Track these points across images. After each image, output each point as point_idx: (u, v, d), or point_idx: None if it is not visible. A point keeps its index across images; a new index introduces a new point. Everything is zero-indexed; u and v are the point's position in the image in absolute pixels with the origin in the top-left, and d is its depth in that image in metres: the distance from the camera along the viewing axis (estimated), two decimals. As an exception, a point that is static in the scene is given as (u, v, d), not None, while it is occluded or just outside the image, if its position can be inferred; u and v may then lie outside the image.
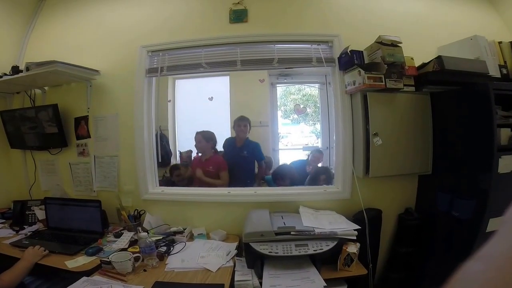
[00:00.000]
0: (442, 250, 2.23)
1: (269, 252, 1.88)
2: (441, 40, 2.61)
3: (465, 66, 2.21)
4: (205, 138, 3.25)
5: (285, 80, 4.47)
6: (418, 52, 2.39)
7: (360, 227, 2.08)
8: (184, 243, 2.30)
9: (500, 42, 2.47)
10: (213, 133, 3.35)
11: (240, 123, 3.34)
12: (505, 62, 2.43)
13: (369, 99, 2.26)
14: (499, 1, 2.82)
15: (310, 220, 2.16)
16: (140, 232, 2.18)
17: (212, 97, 3.80)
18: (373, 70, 2.20)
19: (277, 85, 4.52)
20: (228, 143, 3.40)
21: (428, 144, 2.39)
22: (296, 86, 4.81)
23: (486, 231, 1.89)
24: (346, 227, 2.07)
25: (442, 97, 2.33)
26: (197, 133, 3.33)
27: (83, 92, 2.82)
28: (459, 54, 2.34)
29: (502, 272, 0.30)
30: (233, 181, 3.11)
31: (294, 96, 4.92)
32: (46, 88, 2.94)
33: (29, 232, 2.54)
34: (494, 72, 2.33)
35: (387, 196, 2.54)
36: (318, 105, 4.63)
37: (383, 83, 2.19)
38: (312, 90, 4.81)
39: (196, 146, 3.30)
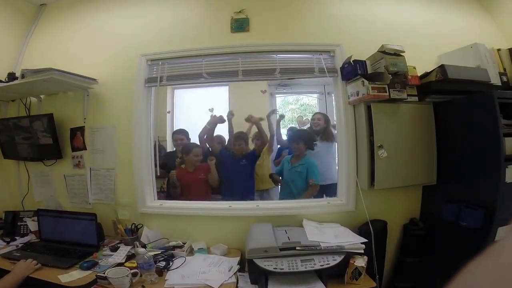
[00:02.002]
0: (449, 259, 2.18)
1: (274, 268, 1.82)
2: (440, 49, 2.61)
3: (467, 74, 2.21)
4: (196, 156, 3.21)
5: (284, 90, 4.48)
6: (418, 61, 2.38)
7: (367, 240, 2.03)
8: (184, 258, 2.21)
9: (499, 50, 2.47)
10: (197, 144, 3.36)
11: (236, 142, 3.31)
12: (504, 69, 2.44)
13: (373, 110, 2.23)
14: (495, 9, 2.83)
15: (315, 234, 2.10)
16: (137, 247, 2.11)
17: (212, 109, 3.73)
18: (376, 80, 2.18)
19: (277, 95, 4.53)
20: (222, 156, 3.33)
21: (432, 154, 2.36)
22: (295, 96, 4.82)
23: (495, 239, 1.86)
24: (352, 240, 2.02)
25: (446, 107, 2.31)
26: (185, 149, 3.27)
27: (80, 102, 2.75)
28: (460, 62, 2.33)
29: (509, 271, 0.30)
30: (233, 192, 3.06)
31: (292, 106, 4.93)
32: (42, 96, 2.87)
33: (20, 243, 2.46)
34: (495, 80, 2.33)
35: (391, 207, 2.49)
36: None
37: (387, 93, 2.17)
38: (310, 100, 4.82)
39: (185, 160, 3.23)
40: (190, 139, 3.55)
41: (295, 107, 4.92)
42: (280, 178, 3.25)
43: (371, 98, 2.17)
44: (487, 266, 0.33)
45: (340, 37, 2.55)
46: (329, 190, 3.12)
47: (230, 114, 3.53)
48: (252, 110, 3.94)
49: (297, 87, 4.59)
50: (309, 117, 4.27)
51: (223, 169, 3.25)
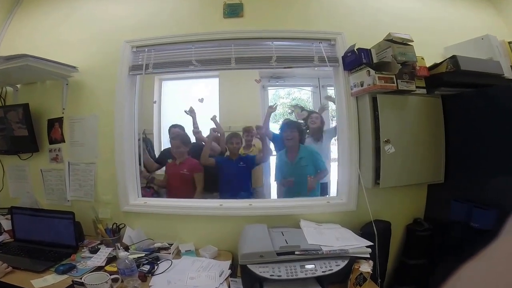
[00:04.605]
0: (457, 261, 2.03)
1: (271, 275, 1.65)
2: (445, 41, 2.52)
3: (481, 66, 2.10)
4: (184, 144, 3.08)
5: (277, 83, 4.31)
6: (424, 52, 2.24)
7: (372, 244, 1.88)
8: (170, 261, 2.05)
9: (510, 42, 2.37)
10: (189, 136, 3.23)
11: (233, 140, 3.15)
12: (516, 62, 2.33)
13: (379, 102, 2.08)
14: (503, 2, 2.74)
15: (315, 237, 1.94)
16: (119, 249, 1.95)
17: (202, 99, 3.59)
18: (383, 70, 2.04)
19: (269, 87, 4.36)
20: (220, 162, 3.17)
21: (440, 151, 2.25)
22: (286, 89, 4.65)
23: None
24: (356, 243, 1.87)
25: (456, 100, 2.19)
26: (173, 138, 3.18)
27: (59, 91, 2.56)
28: (469, 54, 2.21)
29: (505, 271, 0.29)
30: (230, 194, 2.89)
31: (283, 100, 4.74)
32: (18, 86, 2.68)
33: (-8, 244, 2.27)
34: (507, 73, 2.23)
35: (394, 206, 2.37)
36: (309, 108, 4.40)
37: (395, 84, 2.02)
38: (302, 93, 4.65)
39: (173, 151, 3.09)
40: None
41: (286, 101, 4.74)
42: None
43: (377, 89, 2.01)
44: (478, 270, 0.33)
45: (342, 25, 2.41)
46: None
47: (214, 118, 3.36)
48: (243, 103, 3.93)
49: (290, 80, 4.43)
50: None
51: (221, 172, 3.10)
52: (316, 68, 3.98)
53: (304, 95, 4.62)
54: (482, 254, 0.33)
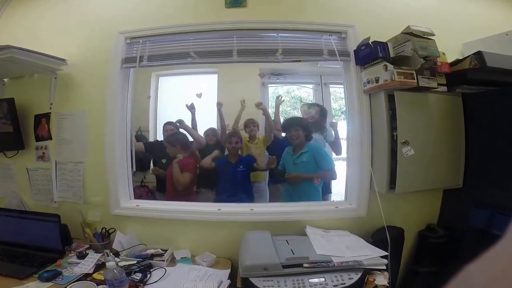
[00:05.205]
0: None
1: (276, 290, 1.49)
2: (464, 37, 2.35)
3: (509, 63, 1.93)
4: (170, 144, 2.97)
5: (278, 80, 4.16)
6: (440, 48, 2.07)
7: (387, 253, 1.74)
8: (164, 269, 1.90)
9: None
10: (178, 137, 3.06)
11: (232, 139, 2.99)
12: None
13: (397, 100, 1.91)
14: None
15: (323, 246, 1.79)
16: (108, 255, 1.79)
17: (201, 93, 3.49)
18: (402, 64, 1.87)
19: (269, 85, 4.22)
20: (219, 164, 3.04)
21: (459, 153, 2.10)
22: (285, 87, 4.50)
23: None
24: (370, 253, 1.72)
25: (479, 99, 2.04)
26: (170, 142, 3.02)
27: (47, 85, 2.42)
28: (491, 51, 2.02)
29: (505, 272, 0.28)
30: (229, 198, 2.78)
31: (282, 98, 4.51)
32: (5, 80, 2.56)
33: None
34: None
35: (407, 212, 2.24)
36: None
37: (415, 80, 1.87)
38: (302, 92, 4.51)
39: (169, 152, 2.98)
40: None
41: (285, 99, 4.51)
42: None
43: (396, 85, 1.85)
44: (481, 270, 0.32)
45: (353, 18, 2.25)
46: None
47: (219, 105, 3.26)
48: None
49: (291, 77, 4.29)
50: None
51: (221, 175, 2.98)
52: (318, 65, 3.88)
53: (303, 93, 4.49)
54: (485, 254, 0.32)
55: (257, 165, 2.97)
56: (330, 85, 4.02)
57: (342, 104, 4.61)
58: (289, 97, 4.56)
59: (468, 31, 2.35)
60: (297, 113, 4.17)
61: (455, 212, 2.21)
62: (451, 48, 2.24)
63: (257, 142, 3.19)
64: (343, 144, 2.89)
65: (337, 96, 4.30)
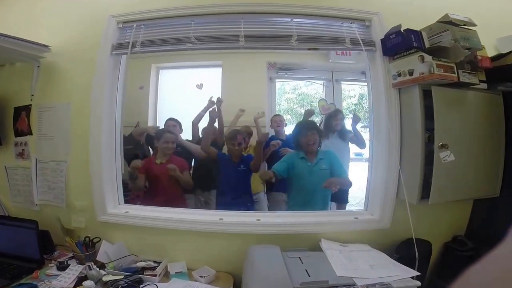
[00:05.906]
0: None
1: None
2: (498, 31, 2.12)
3: None
4: (167, 142, 2.74)
5: (286, 75, 3.98)
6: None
7: (419, 273, 1.53)
8: (155, 285, 1.71)
9: None
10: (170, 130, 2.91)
11: (234, 141, 2.75)
12: None
13: (434, 97, 1.67)
14: None
15: (343, 265, 1.57)
16: (92, 269, 1.66)
17: (201, 84, 3.32)
18: (439, 57, 1.64)
19: (277, 80, 4.04)
20: (221, 159, 2.85)
21: (498, 159, 1.90)
22: (292, 84, 4.31)
23: None
24: (397, 273, 1.50)
25: None
26: (157, 134, 2.82)
27: (29, 75, 2.24)
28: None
29: (507, 273, 0.28)
30: (229, 199, 2.62)
31: (289, 95, 4.42)
32: None
33: None
34: None
35: (433, 222, 2.04)
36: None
37: (456, 74, 1.65)
38: (309, 89, 4.33)
39: (161, 146, 2.75)
40: (182, 129, 3.12)
41: (292, 96, 4.44)
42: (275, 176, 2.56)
43: (435, 79, 1.62)
44: (484, 272, 0.32)
45: (379, 5, 2.03)
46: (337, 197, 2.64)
47: (219, 102, 3.02)
48: (249, 96, 3.59)
49: (300, 72, 4.09)
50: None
51: (220, 172, 2.82)
52: (330, 60, 3.65)
53: (311, 90, 4.32)
54: (490, 254, 0.31)
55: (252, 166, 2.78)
56: (342, 82, 3.86)
57: (350, 103, 4.46)
58: (296, 94, 4.42)
59: (502, 26, 2.13)
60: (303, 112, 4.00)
61: (487, 223, 2.02)
62: (484, 42, 1.98)
63: (248, 150, 3.04)
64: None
65: (346, 95, 4.15)
